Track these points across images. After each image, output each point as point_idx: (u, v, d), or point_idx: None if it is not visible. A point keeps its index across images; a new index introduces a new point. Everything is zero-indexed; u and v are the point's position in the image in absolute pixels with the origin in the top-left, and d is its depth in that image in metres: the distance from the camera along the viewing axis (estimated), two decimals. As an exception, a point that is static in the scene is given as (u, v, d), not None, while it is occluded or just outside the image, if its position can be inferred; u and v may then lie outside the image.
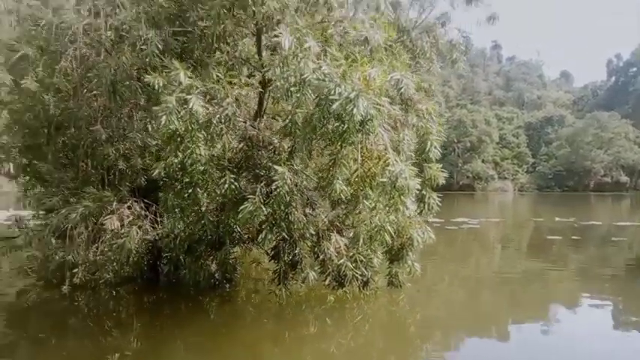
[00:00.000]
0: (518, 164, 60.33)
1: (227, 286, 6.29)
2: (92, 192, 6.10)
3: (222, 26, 4.83)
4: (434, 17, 7.96)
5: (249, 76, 6.09)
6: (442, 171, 4.41)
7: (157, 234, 6.16)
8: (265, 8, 4.48)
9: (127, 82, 5.27)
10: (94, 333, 5.34)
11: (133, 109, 6.12)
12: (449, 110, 53.60)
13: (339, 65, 3.69)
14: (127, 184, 6.77)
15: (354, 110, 3.40)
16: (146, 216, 6.30)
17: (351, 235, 5.57)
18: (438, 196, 5.37)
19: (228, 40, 5.32)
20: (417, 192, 4.09)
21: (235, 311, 5.98)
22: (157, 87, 4.05)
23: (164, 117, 3.95)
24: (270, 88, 5.93)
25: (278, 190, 4.20)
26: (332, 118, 3.69)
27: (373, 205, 4.56)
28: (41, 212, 8.17)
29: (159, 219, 6.41)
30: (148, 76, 4.18)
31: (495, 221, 19.75)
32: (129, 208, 6.30)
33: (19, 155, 9.03)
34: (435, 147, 4.20)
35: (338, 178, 4.08)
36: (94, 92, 6.59)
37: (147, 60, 4.79)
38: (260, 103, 6.15)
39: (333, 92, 3.53)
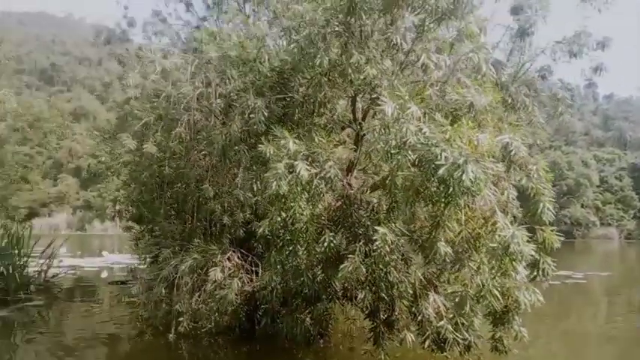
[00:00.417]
0: (624, 209, 54.75)
1: (321, 341, 6.31)
2: (199, 245, 6.60)
3: (323, 93, 5.17)
4: (534, 70, 7.82)
5: (344, 136, 6.38)
6: (559, 235, 4.16)
7: (255, 286, 6.45)
8: (364, 75, 4.74)
9: (236, 147, 5.76)
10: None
11: (237, 169, 6.64)
12: (541, 152, 50.62)
13: (444, 130, 3.73)
14: (228, 235, 7.26)
15: (463, 176, 3.40)
16: (245, 267, 6.66)
17: (450, 294, 5.40)
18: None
19: (328, 105, 5.65)
20: (530, 257, 3.88)
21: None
22: (268, 154, 4.38)
23: (274, 183, 4.23)
24: (363, 147, 6.15)
25: (379, 250, 4.24)
26: (436, 181, 3.70)
27: (477, 266, 4.41)
28: (148, 259, 8.95)
29: (254, 269, 6.74)
30: (260, 145, 4.55)
31: (604, 275, 17.81)
32: (229, 259, 6.73)
33: (132, 208, 10.07)
34: (548, 209, 4.00)
35: (441, 240, 4.02)
36: (203, 152, 7.28)
37: (254, 127, 5.23)
38: (352, 161, 6.35)
39: (439, 157, 3.56)
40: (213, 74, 6.49)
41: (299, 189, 4.49)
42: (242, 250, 6.94)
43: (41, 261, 11.52)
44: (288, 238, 5.06)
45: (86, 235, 67.93)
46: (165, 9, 15.38)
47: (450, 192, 3.64)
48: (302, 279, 5.17)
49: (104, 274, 16.18)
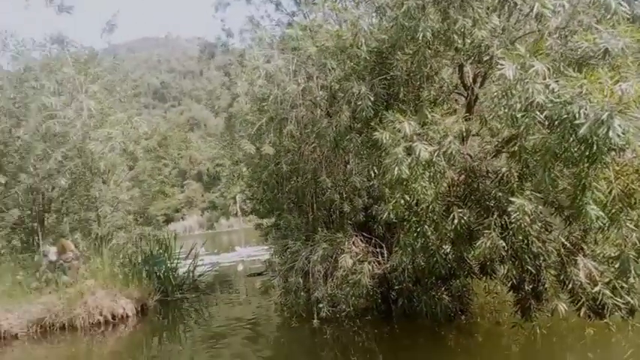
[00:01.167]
0: None
1: (462, 317, 6.20)
2: (325, 234, 6.89)
3: (428, 66, 4.97)
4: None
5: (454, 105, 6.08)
6: None
7: (385, 268, 6.55)
8: (472, 38, 4.44)
9: (348, 136, 5.83)
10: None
11: (349, 157, 6.76)
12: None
13: (578, 84, 3.34)
14: (349, 222, 7.44)
15: (610, 132, 3.03)
16: (372, 251, 6.79)
17: (601, 256, 4.92)
18: None
19: (435, 77, 5.43)
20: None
21: (477, 343, 5.84)
22: (384, 140, 4.36)
23: (395, 168, 4.21)
24: (476, 113, 5.81)
25: (518, 222, 3.99)
26: (576, 141, 3.35)
27: (634, 224, 3.94)
28: (279, 251, 9.55)
29: (378, 250, 6.84)
30: (375, 132, 4.54)
31: None
32: (354, 244, 6.91)
33: (258, 205, 10.80)
34: None
35: (589, 203, 3.65)
36: (314, 145, 7.51)
37: (363, 114, 5.24)
38: (466, 130, 6.04)
39: (578, 115, 3.21)
40: (312, 69, 6.62)
41: (420, 170, 4.40)
42: (364, 234, 7.09)
43: (187, 262, 12.89)
44: (415, 219, 5.01)
45: (216, 232, 74.40)
46: (257, 13, 15.98)
47: (593, 151, 3.28)
48: (434, 258, 5.10)
49: (240, 267, 17.60)
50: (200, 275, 12.98)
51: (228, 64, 15.01)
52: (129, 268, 10.09)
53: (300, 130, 7.28)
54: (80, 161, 9.77)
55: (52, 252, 10.21)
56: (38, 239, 10.15)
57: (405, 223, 5.23)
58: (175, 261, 12.18)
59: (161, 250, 12.18)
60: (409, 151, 4.31)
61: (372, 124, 5.10)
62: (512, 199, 4.02)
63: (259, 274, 13.85)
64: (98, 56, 11.75)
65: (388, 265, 6.47)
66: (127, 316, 9.32)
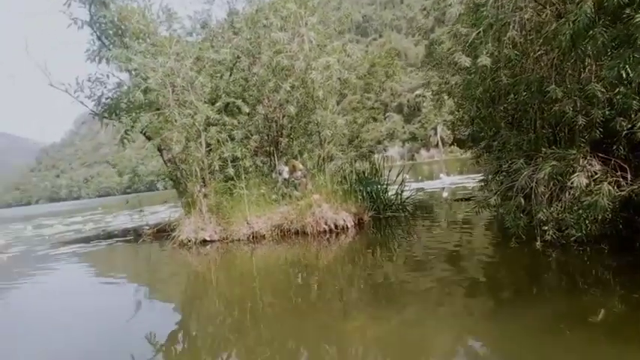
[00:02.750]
0: None
1: None
2: (555, 151, 6.20)
3: None
4: None
5: None
6: None
7: (633, 189, 5.59)
8: None
9: (590, 32, 4.93)
10: (570, 289, 5.39)
11: (588, 61, 5.75)
12: None
13: None
14: (582, 139, 6.51)
15: None
16: (611, 173, 5.85)
17: None
18: None
19: None
20: None
21: None
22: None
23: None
24: None
25: None
26: None
27: None
28: (491, 174, 9.08)
29: (619, 173, 5.82)
30: (637, 16, 3.71)
31: None
32: (589, 164, 6.05)
33: (468, 128, 10.37)
34: None
35: None
36: (540, 52, 6.64)
37: (614, 1, 4.30)
38: None
39: None
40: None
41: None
42: (599, 154, 6.11)
43: (394, 187, 13.47)
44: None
45: (416, 163, 75.02)
46: None
47: None
48: None
49: (445, 194, 17.58)
50: (407, 198, 13.44)
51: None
52: (346, 186, 11.13)
53: (524, 35, 6.50)
54: (304, 91, 10.91)
55: (285, 171, 12.00)
56: (274, 160, 12.01)
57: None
58: (384, 184, 12.86)
59: (372, 173, 13.03)
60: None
61: (628, 11, 4.17)
62: None
63: (467, 200, 13.61)
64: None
65: (637, 187, 5.51)
66: (347, 228, 10.45)
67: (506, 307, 4.85)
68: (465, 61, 6.79)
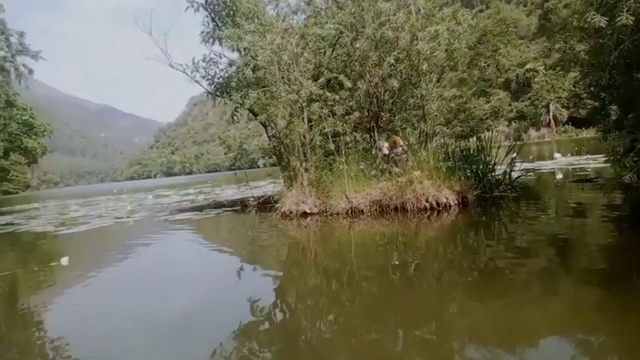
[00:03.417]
0: None
1: None
2: None
3: None
4: None
5: None
6: None
7: None
8: None
9: None
10: None
11: None
12: None
13: None
14: None
15: None
16: None
17: None
18: None
19: None
20: None
21: None
22: None
23: None
24: None
25: None
26: None
27: None
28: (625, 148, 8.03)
29: None
30: None
31: None
32: None
33: (593, 100, 9.24)
34: None
35: None
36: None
37: None
38: None
39: None
40: None
41: None
42: None
43: (502, 166, 12.63)
44: None
45: (523, 144, 69.59)
46: None
47: None
48: None
49: (559, 176, 16.13)
50: (516, 178, 12.56)
51: None
52: (450, 163, 10.68)
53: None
54: (408, 64, 10.57)
55: (385, 147, 11.85)
56: (374, 136, 11.90)
57: None
58: (491, 162, 12.12)
59: (478, 150, 12.32)
60: None
61: None
62: None
63: (589, 180, 12.35)
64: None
65: None
66: (449, 206, 10.06)
67: (621, 301, 4.22)
68: (600, 21, 5.99)
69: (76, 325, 5.03)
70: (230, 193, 23.81)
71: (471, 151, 12.22)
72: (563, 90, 74.41)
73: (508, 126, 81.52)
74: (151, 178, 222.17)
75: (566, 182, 13.71)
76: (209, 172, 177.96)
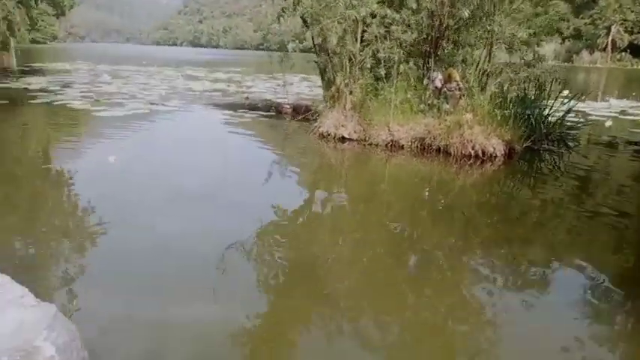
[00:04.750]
0: None
1: None
2: None
3: None
4: None
5: None
6: None
7: None
8: None
9: None
10: None
11: None
12: None
13: None
14: None
15: None
16: None
17: None
18: None
19: None
20: None
21: None
22: None
23: None
24: None
25: None
26: None
27: None
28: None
29: None
30: None
31: None
32: None
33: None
34: None
35: None
36: None
37: None
38: None
39: None
40: None
41: None
42: None
43: (561, 107, 11.89)
44: None
45: (572, 67, 65.16)
46: None
47: None
48: None
49: (608, 123, 15.26)
50: (569, 128, 11.89)
51: None
52: (507, 109, 10.03)
53: None
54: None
55: (438, 79, 11.04)
56: (429, 64, 11.04)
57: None
58: (550, 106, 11.37)
59: (538, 92, 11.50)
60: None
61: None
62: None
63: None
64: None
65: None
66: (495, 156, 9.66)
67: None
68: None
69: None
70: (261, 88, 23.31)
71: (530, 94, 11.43)
72: (632, 11, 67.28)
73: (561, 44, 75.36)
74: (176, 45, 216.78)
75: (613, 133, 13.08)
76: (236, 48, 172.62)
